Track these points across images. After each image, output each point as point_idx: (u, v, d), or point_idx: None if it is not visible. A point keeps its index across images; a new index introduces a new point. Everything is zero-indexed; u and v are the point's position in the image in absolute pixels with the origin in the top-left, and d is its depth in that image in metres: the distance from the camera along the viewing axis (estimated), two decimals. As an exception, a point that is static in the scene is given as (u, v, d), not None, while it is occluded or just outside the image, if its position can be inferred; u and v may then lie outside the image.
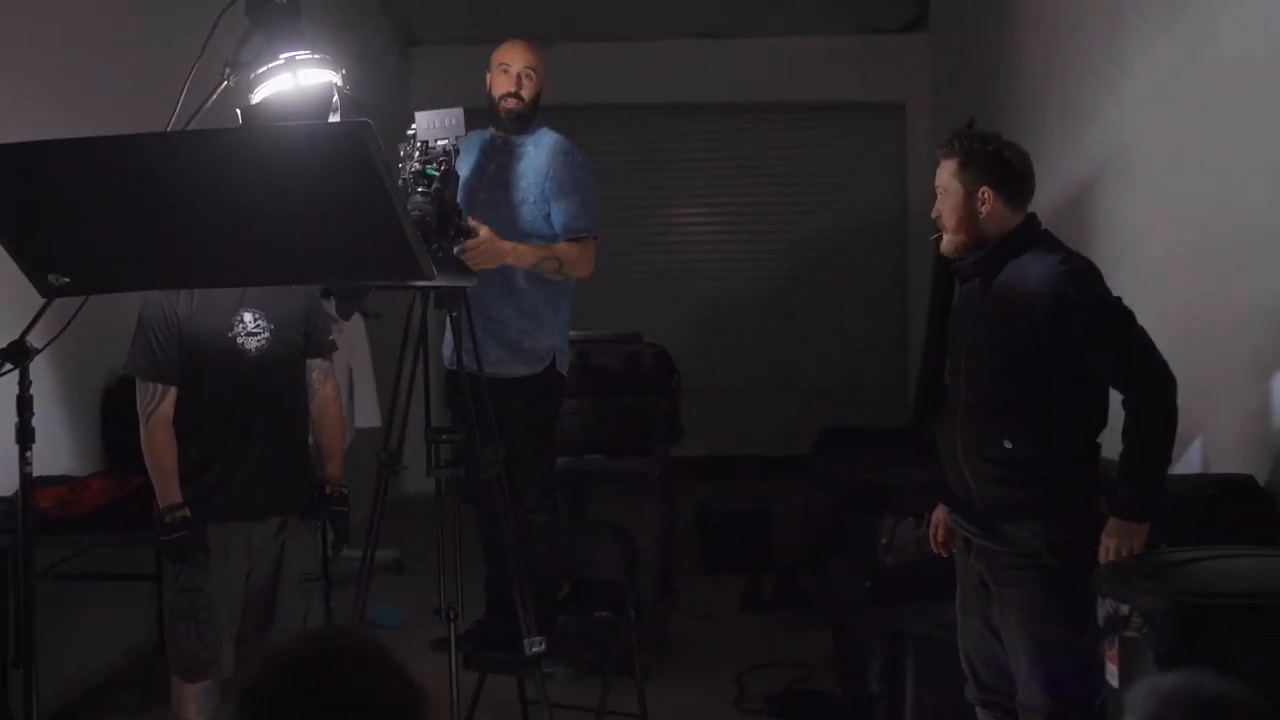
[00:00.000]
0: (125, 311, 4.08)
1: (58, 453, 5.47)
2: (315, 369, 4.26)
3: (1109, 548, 3.27)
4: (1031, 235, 3.49)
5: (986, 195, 3.45)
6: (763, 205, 9.84)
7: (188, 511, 4.01)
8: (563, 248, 4.63)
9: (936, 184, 3.52)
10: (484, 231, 4.25)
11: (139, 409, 4.10)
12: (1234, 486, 3.80)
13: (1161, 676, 1.95)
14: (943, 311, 8.08)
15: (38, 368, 3.51)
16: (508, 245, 4.41)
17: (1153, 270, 3.53)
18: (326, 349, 4.30)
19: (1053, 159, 5.78)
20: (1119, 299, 3.37)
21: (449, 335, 4.40)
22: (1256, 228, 3.99)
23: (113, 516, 4.94)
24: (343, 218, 3.27)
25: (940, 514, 3.77)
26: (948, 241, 3.53)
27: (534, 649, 4.03)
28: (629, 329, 6.49)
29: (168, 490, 4.05)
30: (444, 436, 4.09)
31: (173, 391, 4.07)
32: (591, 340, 5.42)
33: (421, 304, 4.06)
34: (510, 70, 4.69)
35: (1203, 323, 4.12)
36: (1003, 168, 3.48)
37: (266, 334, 4.08)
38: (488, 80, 4.74)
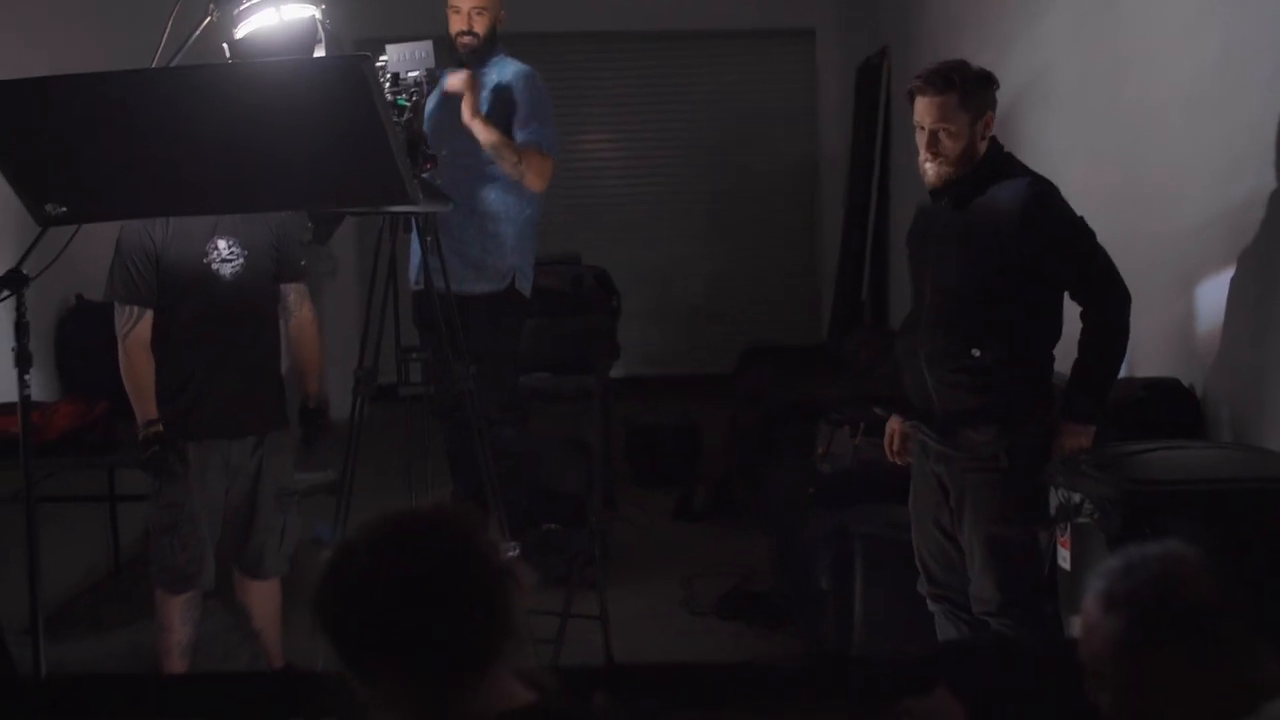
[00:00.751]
0: (78, 242, 4.20)
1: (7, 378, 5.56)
2: (291, 292, 4.41)
3: (1062, 445, 3.54)
4: (1001, 158, 3.72)
5: (989, 120, 3.67)
6: (677, 132, 9.98)
7: (161, 428, 4.16)
8: (524, 152, 4.88)
9: (928, 122, 3.64)
10: (464, 74, 4.50)
11: (117, 331, 4.24)
12: (1162, 388, 4.09)
13: (1114, 555, 2.10)
14: (859, 235, 8.38)
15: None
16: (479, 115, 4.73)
17: (1078, 190, 3.76)
18: (299, 274, 4.45)
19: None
20: (1082, 218, 3.62)
21: (414, 257, 4.58)
22: (1176, 151, 4.27)
23: (80, 440, 5.07)
24: (336, 147, 3.45)
25: (895, 424, 4.03)
26: (940, 173, 3.68)
27: (508, 554, 4.24)
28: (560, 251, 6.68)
29: (145, 408, 4.19)
30: (413, 355, 4.27)
31: (149, 314, 4.21)
32: (536, 262, 5.62)
33: (391, 228, 4.23)
34: (461, 9, 4.94)
35: (1128, 242, 4.37)
36: (992, 92, 3.70)
37: (240, 260, 4.23)
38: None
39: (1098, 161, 4.81)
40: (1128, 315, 3.58)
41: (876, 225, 8.23)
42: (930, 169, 3.70)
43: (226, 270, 4.23)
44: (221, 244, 4.21)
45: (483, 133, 4.81)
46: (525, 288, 5.01)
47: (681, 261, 9.95)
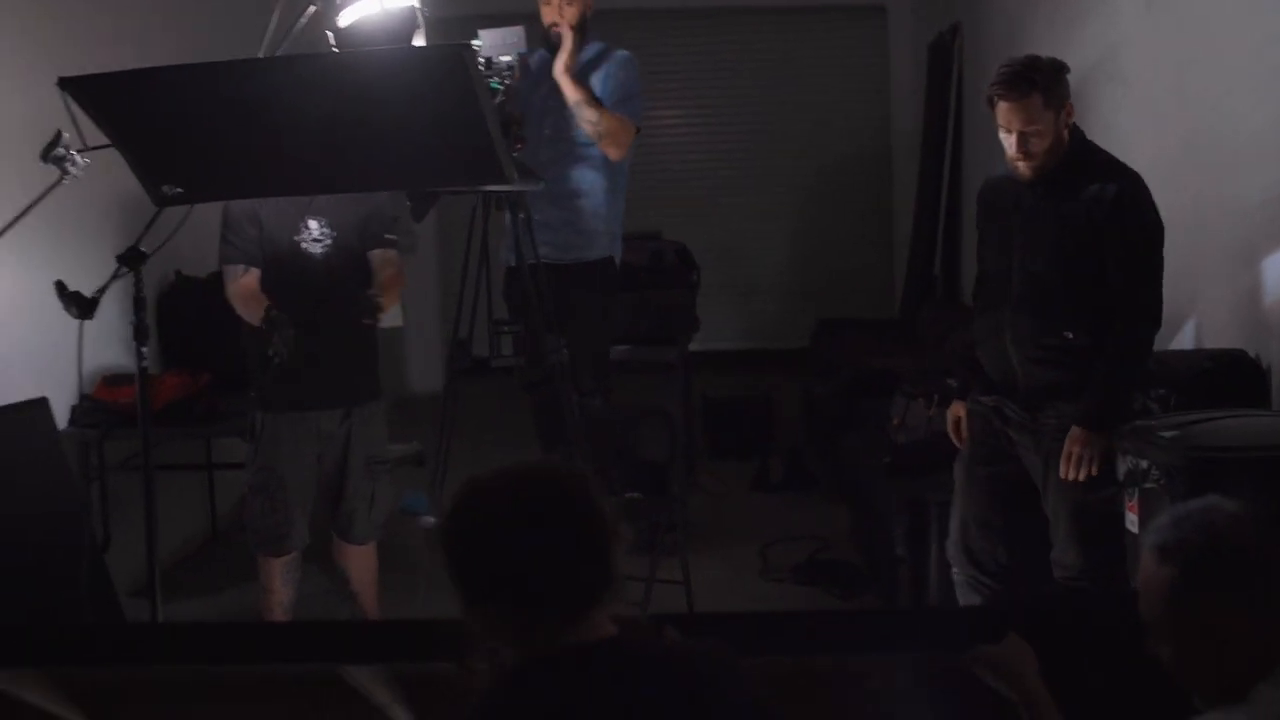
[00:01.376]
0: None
1: (121, 351, 5.82)
2: (375, 258, 4.56)
3: (1073, 454, 3.70)
4: (1086, 146, 3.85)
5: (1069, 109, 3.79)
6: (750, 108, 10.07)
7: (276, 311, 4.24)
8: (605, 113, 5.09)
9: (1016, 126, 3.73)
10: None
11: (227, 289, 4.45)
12: (1228, 360, 4.19)
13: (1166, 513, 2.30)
14: (931, 212, 8.48)
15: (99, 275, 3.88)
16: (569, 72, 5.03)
17: (1147, 167, 3.87)
18: (382, 243, 4.57)
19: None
20: (1160, 222, 3.76)
21: (507, 235, 4.76)
22: (1243, 129, 4.37)
23: (185, 411, 5.31)
24: (437, 131, 3.64)
25: (959, 409, 4.17)
26: (1033, 168, 3.79)
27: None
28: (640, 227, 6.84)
29: (254, 310, 4.33)
30: (505, 328, 4.47)
31: (255, 271, 4.42)
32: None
33: (484, 207, 4.41)
34: (551, 1, 5.11)
35: (1196, 215, 4.50)
36: (1066, 80, 3.81)
37: (329, 240, 4.43)
38: None
39: (1166, 136, 4.91)
40: (1153, 339, 3.77)
41: (949, 202, 8.33)
42: (1023, 167, 3.80)
43: (317, 250, 4.43)
44: (313, 224, 4.41)
45: (569, 89, 5.02)
46: (618, 254, 5.22)
47: (757, 237, 10.05)
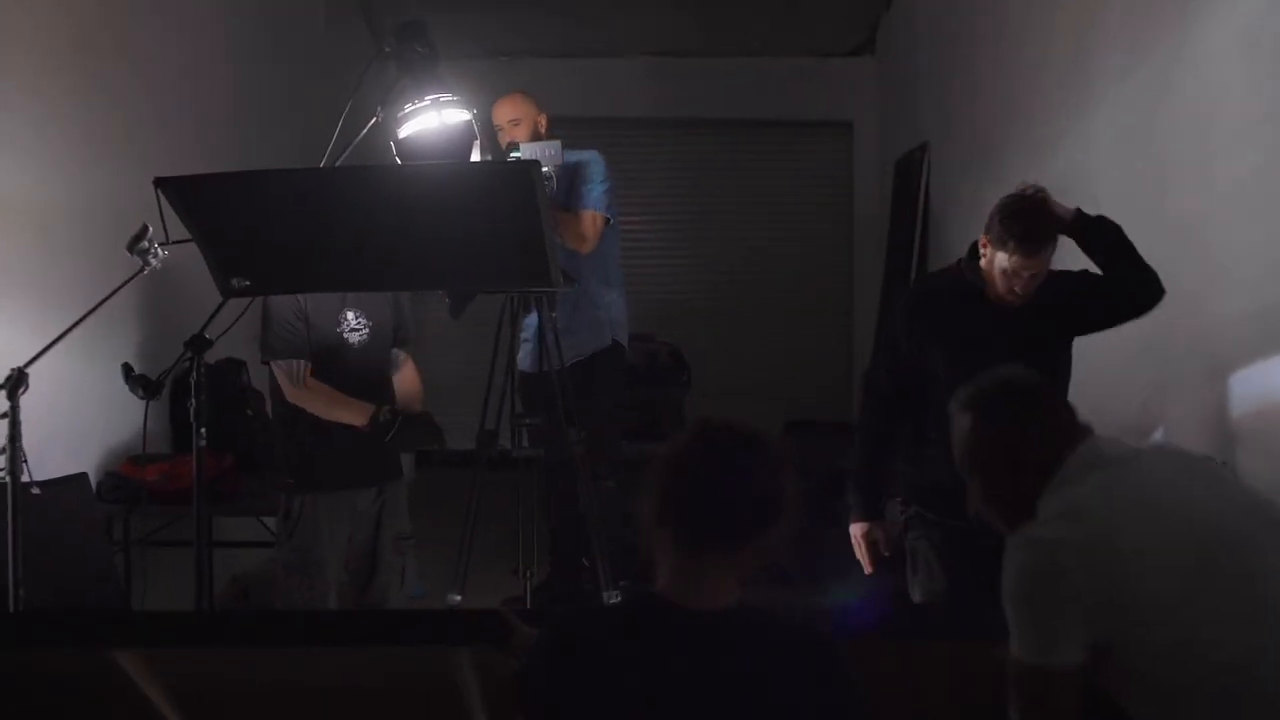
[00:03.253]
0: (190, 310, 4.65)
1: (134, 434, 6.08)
2: (400, 354, 4.93)
3: None
4: None
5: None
6: (717, 215, 10.48)
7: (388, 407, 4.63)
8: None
9: (1027, 272, 4.01)
10: None
11: (286, 384, 4.68)
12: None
13: None
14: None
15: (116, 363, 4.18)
16: None
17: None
18: (410, 339, 4.96)
19: (1017, 175, 6.55)
20: None
21: (525, 344, 5.08)
22: (1213, 253, 4.77)
23: (212, 490, 5.55)
24: (496, 236, 3.96)
25: (860, 530, 4.44)
26: (1022, 298, 4.08)
27: (612, 599, 4.73)
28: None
29: (359, 409, 4.63)
30: (525, 421, 4.79)
31: (307, 364, 4.67)
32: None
33: (512, 306, 4.75)
34: (502, 128, 5.57)
35: (1165, 337, 4.86)
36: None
37: (365, 330, 4.74)
38: None
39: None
40: None
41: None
42: (1015, 298, 4.08)
43: (355, 339, 4.73)
44: (350, 315, 4.71)
45: None
46: (624, 340, 5.57)
47: (719, 340, 10.37)
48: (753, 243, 10.41)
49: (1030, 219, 4.00)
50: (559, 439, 4.74)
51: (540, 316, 4.74)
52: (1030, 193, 4.06)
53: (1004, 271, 4.04)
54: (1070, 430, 2.72)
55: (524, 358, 5.27)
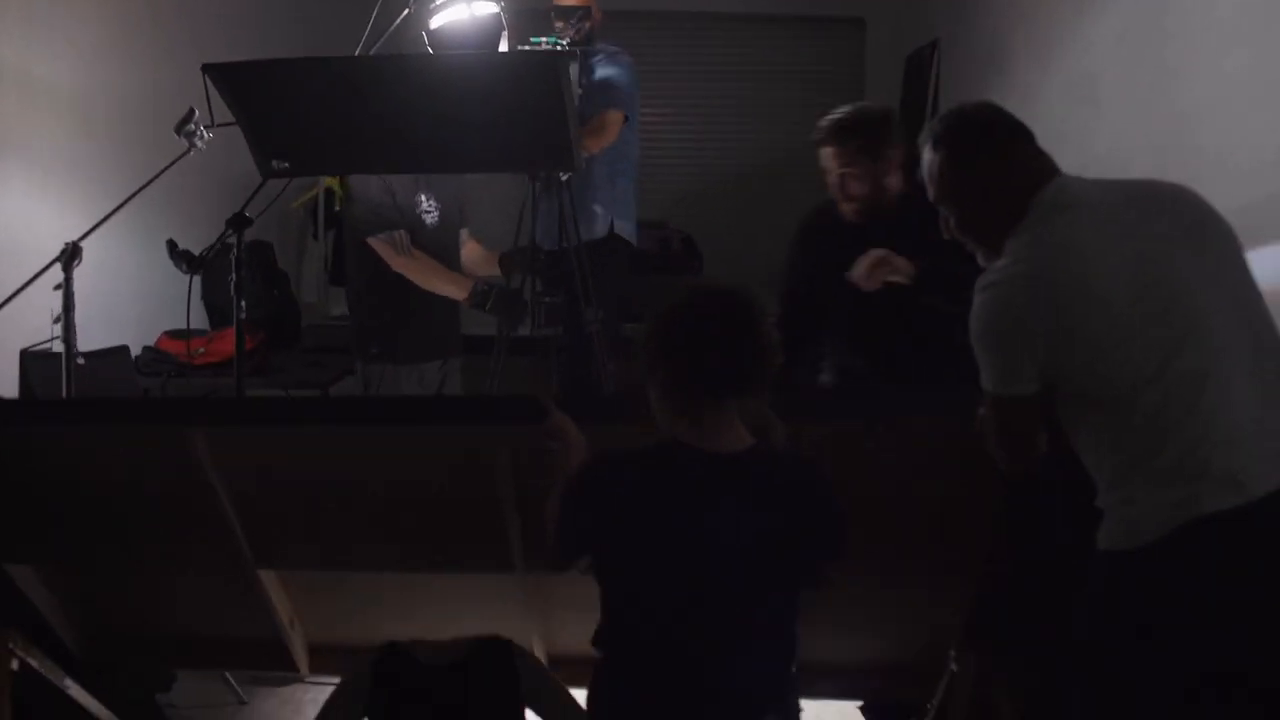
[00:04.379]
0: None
1: (173, 312, 6.36)
2: (464, 233, 5.30)
3: None
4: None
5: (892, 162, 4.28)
6: (730, 108, 10.55)
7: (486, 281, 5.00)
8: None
9: (835, 165, 4.25)
10: None
11: (391, 255, 4.97)
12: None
13: None
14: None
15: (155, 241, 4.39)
16: None
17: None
18: (469, 221, 5.35)
19: (1022, 77, 6.75)
20: None
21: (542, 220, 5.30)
22: (1206, 149, 4.98)
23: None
24: (523, 122, 4.19)
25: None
26: (855, 211, 4.31)
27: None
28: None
29: (460, 281, 5.01)
30: (546, 299, 5.02)
31: (406, 233, 4.98)
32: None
33: (533, 193, 4.97)
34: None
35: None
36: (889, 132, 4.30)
37: (436, 212, 5.05)
38: None
39: (1135, 155, 5.48)
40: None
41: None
42: (850, 210, 4.31)
43: (429, 219, 5.05)
44: (423, 198, 5.03)
45: None
46: (627, 233, 5.78)
47: (722, 233, 10.52)
48: (766, 135, 10.48)
49: (847, 112, 4.21)
50: (576, 318, 4.95)
51: (560, 198, 4.95)
52: None
53: (826, 171, 4.24)
54: (1038, 170, 2.89)
55: (542, 236, 5.50)
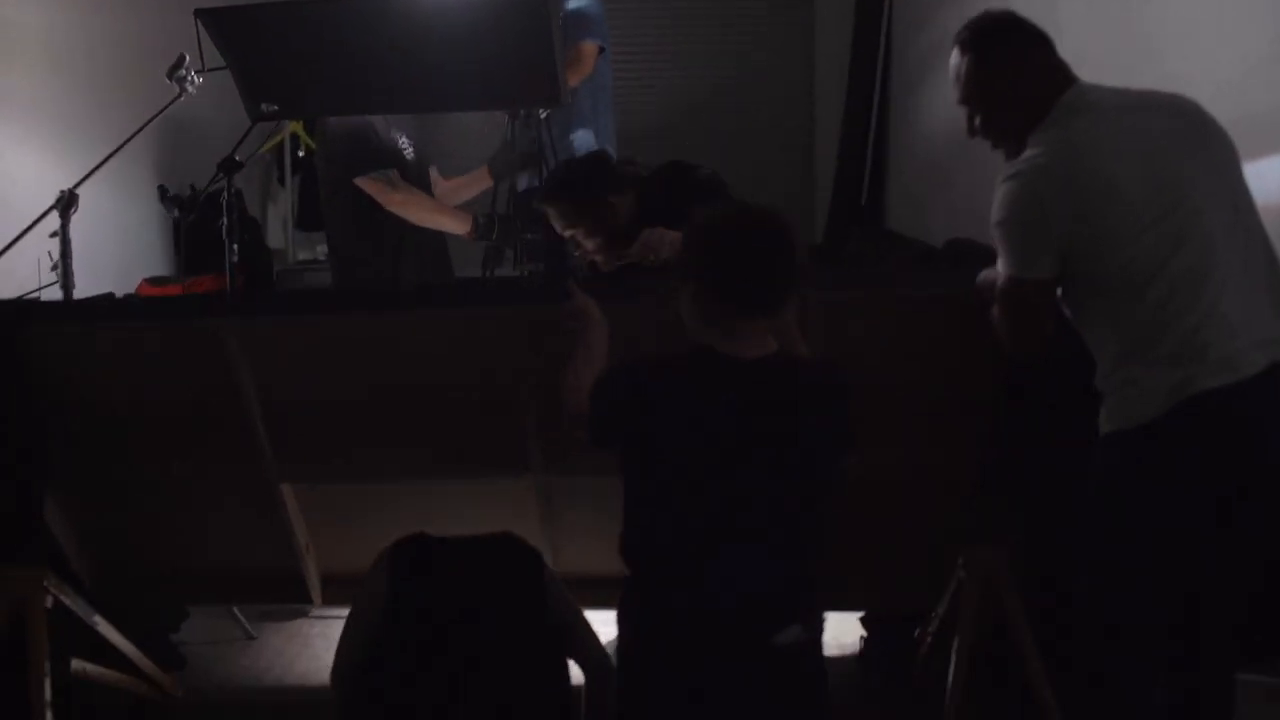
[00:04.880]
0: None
1: (148, 260, 6.42)
2: (433, 170, 5.35)
3: None
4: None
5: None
6: (690, 43, 10.57)
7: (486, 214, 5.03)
8: None
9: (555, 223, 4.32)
10: None
11: (386, 193, 5.00)
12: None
13: None
14: (860, 145, 9.17)
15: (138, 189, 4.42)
16: None
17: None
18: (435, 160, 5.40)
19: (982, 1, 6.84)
20: None
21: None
22: (1170, 82, 5.05)
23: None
24: (509, 60, 4.27)
25: None
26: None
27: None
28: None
29: (460, 216, 5.04)
30: (527, 235, 5.10)
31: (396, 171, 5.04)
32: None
33: (512, 131, 5.04)
34: None
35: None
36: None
37: (411, 149, 5.13)
38: None
39: (1102, 79, 5.58)
40: None
41: (877, 135, 9.01)
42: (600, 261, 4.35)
43: (408, 155, 5.12)
44: (397, 135, 5.10)
45: None
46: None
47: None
48: (722, 71, 10.54)
49: (555, 173, 4.35)
50: (557, 254, 5.02)
51: (541, 137, 5.01)
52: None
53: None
54: (1058, 75, 3.11)
55: (521, 178, 5.56)
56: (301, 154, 7.79)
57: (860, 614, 4.58)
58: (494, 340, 3.64)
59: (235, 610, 4.98)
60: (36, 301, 4.19)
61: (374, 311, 3.74)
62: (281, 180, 8.18)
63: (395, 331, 3.69)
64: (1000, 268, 3.02)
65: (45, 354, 3.72)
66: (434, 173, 5.33)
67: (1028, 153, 2.98)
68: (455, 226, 5.01)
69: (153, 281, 5.98)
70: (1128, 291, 2.87)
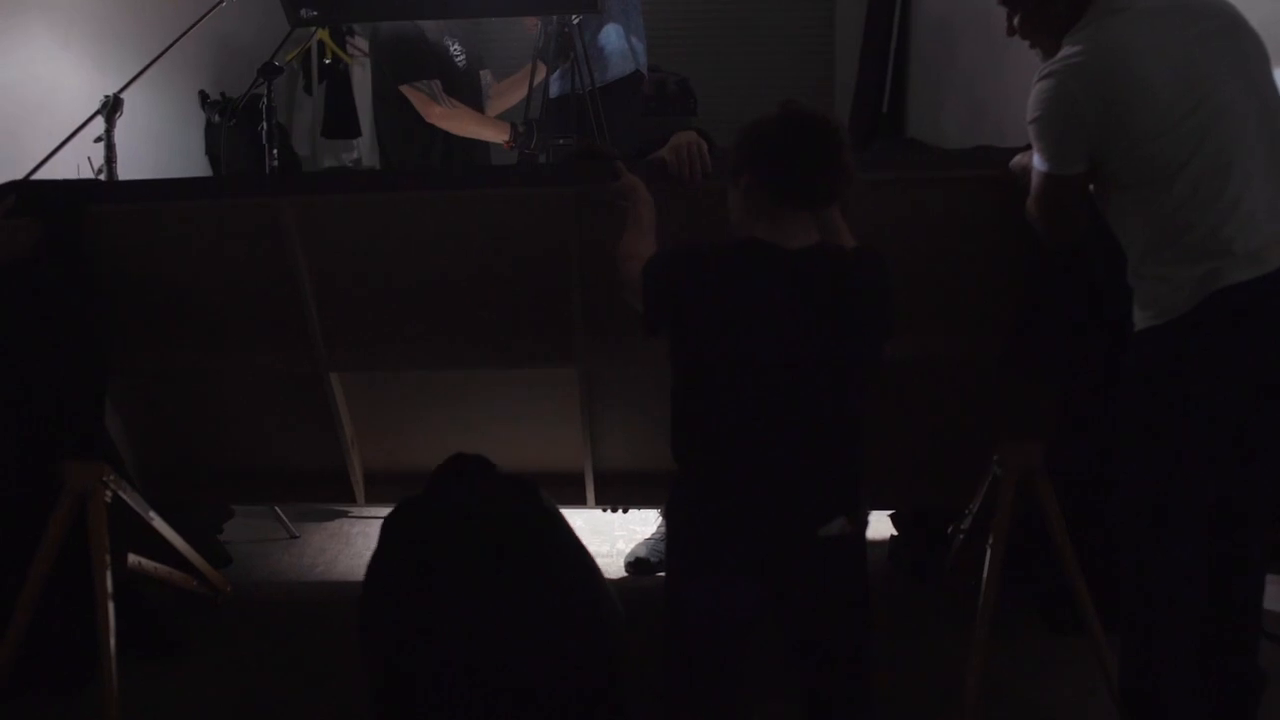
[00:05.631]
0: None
1: (181, 165, 6.46)
2: (486, 74, 5.45)
3: None
4: None
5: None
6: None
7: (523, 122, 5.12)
8: None
9: None
10: None
11: (428, 105, 5.10)
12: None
13: None
14: (881, 55, 9.16)
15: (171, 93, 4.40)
16: None
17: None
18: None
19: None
20: None
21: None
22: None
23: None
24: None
25: None
26: None
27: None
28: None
29: (499, 125, 5.16)
30: (560, 140, 5.15)
31: (440, 82, 5.13)
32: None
33: (546, 39, 5.08)
34: None
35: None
36: None
37: (463, 57, 5.20)
38: None
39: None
40: None
41: (899, 45, 9.00)
42: None
43: (459, 61, 5.21)
44: (448, 41, 5.18)
45: None
46: (644, 70, 5.85)
47: (721, 73, 10.50)
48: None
49: None
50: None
51: (576, 43, 5.04)
52: None
53: None
54: None
55: (553, 83, 5.59)
56: (328, 61, 7.78)
57: (890, 512, 4.67)
58: (540, 223, 3.70)
59: (278, 509, 5.09)
60: (97, 180, 4.24)
61: (424, 188, 3.84)
62: (308, 89, 8.18)
63: (444, 212, 3.75)
64: (1034, 163, 3.10)
65: (103, 235, 3.78)
66: (488, 76, 5.39)
67: (1064, 51, 3.02)
68: (495, 135, 5.08)
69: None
70: (1154, 187, 2.94)
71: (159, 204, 3.81)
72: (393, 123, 5.25)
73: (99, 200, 3.82)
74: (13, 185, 3.82)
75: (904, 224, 3.61)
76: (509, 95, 5.48)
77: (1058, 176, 3.05)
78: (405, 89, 5.03)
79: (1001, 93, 6.13)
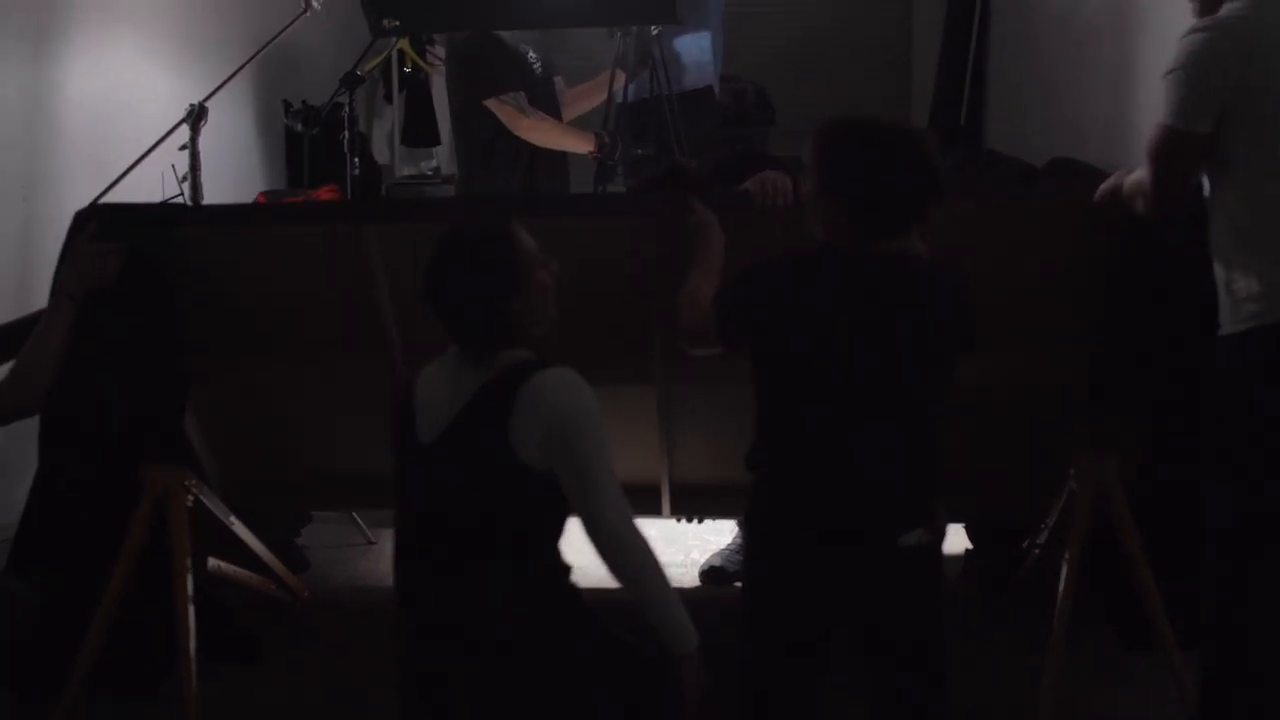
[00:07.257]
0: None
1: (263, 174, 6.54)
2: (559, 82, 5.46)
3: None
4: None
5: None
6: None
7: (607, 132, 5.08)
8: None
9: None
10: None
11: (515, 117, 5.12)
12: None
13: None
14: (959, 66, 9.10)
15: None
16: None
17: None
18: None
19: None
20: None
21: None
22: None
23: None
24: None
25: None
26: None
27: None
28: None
29: (584, 135, 5.14)
30: (639, 151, 5.15)
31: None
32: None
33: (625, 49, 5.09)
34: None
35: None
36: None
37: (539, 64, 5.23)
38: None
39: None
40: None
41: (976, 55, 8.93)
42: None
43: (537, 68, 5.25)
44: (523, 48, 5.21)
45: None
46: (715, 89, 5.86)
47: (797, 83, 10.46)
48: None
49: None
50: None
51: (652, 48, 5.03)
52: None
53: None
54: None
55: (631, 90, 5.60)
56: (408, 70, 7.85)
57: (966, 525, 4.64)
58: (619, 250, 3.71)
59: (355, 515, 5.13)
60: (183, 205, 4.30)
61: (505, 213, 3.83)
62: (388, 97, 8.26)
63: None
64: (1163, 117, 3.05)
65: (189, 258, 3.84)
66: (560, 83, 5.40)
67: (1225, 10, 3.01)
68: (580, 146, 5.07)
69: (269, 195, 6.08)
70: (1262, 179, 2.93)
71: (243, 229, 3.93)
72: (472, 138, 5.24)
73: (183, 225, 3.90)
74: (94, 210, 3.88)
75: (985, 243, 3.57)
76: (581, 102, 5.49)
77: (1182, 131, 3.01)
78: (491, 103, 5.04)
79: (1081, 102, 6.08)
